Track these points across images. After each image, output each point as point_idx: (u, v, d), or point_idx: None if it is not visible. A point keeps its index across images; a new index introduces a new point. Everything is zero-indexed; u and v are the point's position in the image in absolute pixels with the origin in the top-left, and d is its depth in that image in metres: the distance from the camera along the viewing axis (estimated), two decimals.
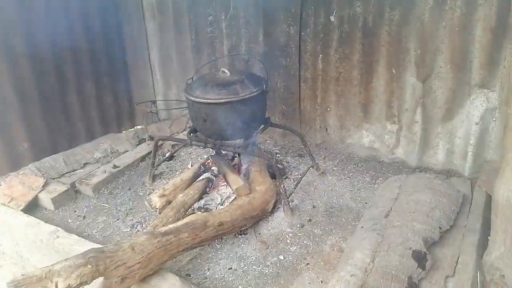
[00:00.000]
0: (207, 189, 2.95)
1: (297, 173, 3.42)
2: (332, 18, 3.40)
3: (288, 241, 2.59)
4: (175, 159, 3.76)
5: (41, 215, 3.07)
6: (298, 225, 2.73)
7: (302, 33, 3.59)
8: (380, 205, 2.75)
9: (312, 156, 3.29)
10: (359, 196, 3.07)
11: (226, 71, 2.84)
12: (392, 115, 3.43)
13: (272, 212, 2.85)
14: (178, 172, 3.52)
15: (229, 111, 2.70)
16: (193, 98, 2.71)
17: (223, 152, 3.15)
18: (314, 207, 2.93)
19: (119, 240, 2.73)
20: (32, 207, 3.11)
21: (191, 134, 3.05)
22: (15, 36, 3.29)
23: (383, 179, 3.28)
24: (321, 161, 3.62)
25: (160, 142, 3.77)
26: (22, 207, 3.02)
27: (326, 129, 3.85)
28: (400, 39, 3.16)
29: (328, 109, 3.74)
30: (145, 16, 4.52)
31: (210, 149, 3.22)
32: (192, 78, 3.05)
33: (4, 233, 2.91)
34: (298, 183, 2.97)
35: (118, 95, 4.48)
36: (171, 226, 2.26)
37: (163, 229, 2.21)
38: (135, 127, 4.81)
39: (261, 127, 3.07)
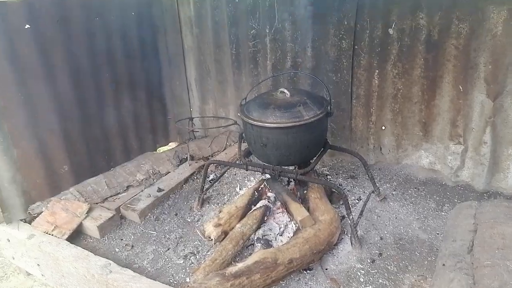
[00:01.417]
0: (265, 218, 2.73)
1: (353, 198, 3.19)
2: (390, 31, 3.18)
3: (361, 279, 2.35)
4: (220, 181, 3.56)
5: (86, 244, 2.89)
6: (369, 260, 2.49)
7: (356, 47, 3.37)
8: (458, 237, 2.49)
9: (374, 181, 3.06)
10: (428, 226, 2.82)
11: (286, 91, 2.63)
12: (457, 135, 3.18)
13: (337, 244, 2.62)
14: (226, 196, 3.31)
15: (292, 135, 2.49)
16: (252, 122, 2.51)
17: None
18: (381, 238, 2.69)
19: (173, 273, 2.54)
20: (75, 235, 2.94)
21: (245, 158, 2.84)
22: (55, 54, 3.14)
23: (449, 205, 3.03)
24: (377, 184, 3.36)
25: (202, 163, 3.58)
26: (66, 236, 2.85)
27: (380, 148, 3.60)
28: (469, 54, 2.92)
29: (383, 127, 3.50)
30: (182, 29, 4.37)
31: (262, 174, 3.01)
32: (245, 98, 2.86)
33: (49, 264, 2.73)
34: (362, 211, 2.73)
35: (154, 110, 4.31)
36: (241, 265, 2.05)
37: (233, 269, 2.01)
38: (170, 144, 4.66)
39: (321, 150, 2.85)
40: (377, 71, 3.35)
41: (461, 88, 3.04)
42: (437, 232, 2.74)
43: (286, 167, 2.69)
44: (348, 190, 3.30)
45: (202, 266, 2.32)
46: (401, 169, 3.54)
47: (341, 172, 3.64)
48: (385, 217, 2.92)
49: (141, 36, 3.98)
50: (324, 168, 3.73)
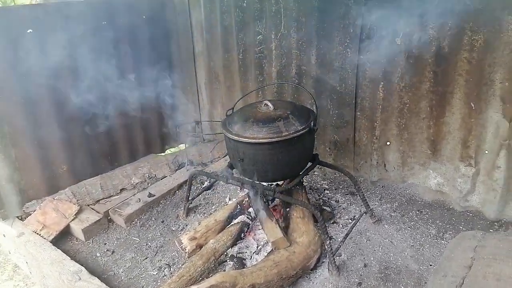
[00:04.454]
0: (242, 235, 2.62)
1: (347, 217, 2.99)
2: (398, 41, 2.93)
3: None
4: (213, 189, 3.49)
5: (71, 246, 2.94)
6: None
7: (361, 57, 3.15)
8: (450, 273, 2.25)
9: (366, 202, 2.84)
10: (422, 255, 2.57)
11: (269, 104, 2.49)
12: (467, 156, 2.87)
13: (315, 267, 2.45)
14: (214, 206, 3.24)
15: (269, 152, 2.35)
16: (230, 136, 2.40)
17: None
18: (365, 265, 2.48)
19: (144, 285, 2.50)
20: (64, 235, 3.00)
21: (229, 170, 2.74)
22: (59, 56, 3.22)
23: (452, 232, 2.75)
24: (377, 203, 3.14)
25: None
26: (52, 237, 2.91)
27: (385, 165, 3.35)
28: (483, 69, 2.62)
29: (388, 143, 3.25)
30: (193, 34, 4.34)
31: None
32: (232, 108, 2.75)
33: (33, 263, 2.80)
34: (347, 234, 2.54)
35: (163, 113, 4.32)
36: None
37: None
38: (180, 145, 4.65)
39: (307, 165, 2.69)
40: (382, 83, 3.11)
41: (473, 105, 2.74)
42: (431, 263, 2.49)
43: (267, 184, 2.55)
44: (343, 208, 3.10)
45: (168, 283, 2.25)
46: (406, 189, 3.28)
47: (341, 187, 3.44)
48: (376, 241, 2.70)
49: (152, 39, 3.99)
50: (324, 182, 3.54)
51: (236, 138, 2.36)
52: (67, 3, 3.31)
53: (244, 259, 2.47)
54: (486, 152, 2.78)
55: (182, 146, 4.66)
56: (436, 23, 2.72)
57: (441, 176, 3.09)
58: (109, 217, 3.16)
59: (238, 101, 2.86)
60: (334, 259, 2.35)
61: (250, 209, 2.73)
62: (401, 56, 2.95)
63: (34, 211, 3.12)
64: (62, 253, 2.69)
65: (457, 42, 2.67)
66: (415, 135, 3.10)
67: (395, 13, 2.84)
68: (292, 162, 2.47)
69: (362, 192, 2.82)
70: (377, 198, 3.22)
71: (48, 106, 3.22)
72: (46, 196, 3.26)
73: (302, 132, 2.35)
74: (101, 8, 3.47)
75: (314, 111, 2.63)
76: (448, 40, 2.71)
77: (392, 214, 3.01)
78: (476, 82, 2.68)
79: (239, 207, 2.78)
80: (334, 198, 3.24)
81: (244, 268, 2.38)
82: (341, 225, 2.88)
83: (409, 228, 2.83)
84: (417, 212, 3.02)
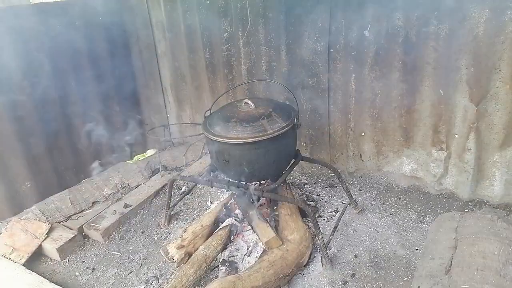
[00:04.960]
0: (231, 237, 2.56)
1: (330, 210, 3.02)
2: (366, 33, 2.98)
3: None
4: (192, 193, 3.39)
5: (45, 267, 2.73)
6: (341, 282, 2.32)
7: (331, 50, 3.18)
8: (437, 255, 2.33)
9: (350, 194, 2.88)
10: (407, 240, 2.65)
11: (250, 102, 2.45)
12: (439, 141, 3.00)
13: (308, 264, 2.45)
14: (196, 211, 3.14)
15: (255, 151, 2.31)
16: (213, 137, 2.32)
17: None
18: (356, 256, 2.52)
19: None
20: (36, 257, 2.78)
21: (211, 173, 2.66)
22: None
23: (431, 215, 2.86)
24: (357, 193, 3.20)
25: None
26: (24, 260, 2.68)
27: (360, 155, 3.42)
28: (449, 56, 2.73)
29: (363, 133, 3.32)
30: (154, 35, 4.18)
31: None
32: (210, 109, 2.67)
33: None
34: (336, 227, 2.55)
35: (129, 118, 4.13)
36: None
37: None
38: (147, 151, 4.48)
39: (291, 162, 2.67)
40: (354, 75, 3.16)
41: (442, 92, 2.85)
42: (416, 247, 2.58)
43: (253, 183, 2.51)
44: (325, 201, 3.13)
45: None
46: (382, 177, 3.37)
47: (320, 180, 3.47)
48: (362, 231, 2.75)
49: (111, 42, 3.79)
50: (303, 176, 3.56)
51: (220, 139, 2.29)
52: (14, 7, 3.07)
53: (236, 262, 2.42)
54: (456, 136, 2.91)
55: (150, 152, 4.50)
56: (402, 14, 2.80)
57: (414, 162, 3.20)
58: (83, 233, 2.97)
59: (216, 100, 2.77)
60: (327, 253, 2.36)
61: (237, 211, 2.67)
62: (370, 47, 3.02)
63: (0, 233, 2.86)
64: (38, 276, 2.49)
65: (424, 32, 2.77)
66: (388, 124, 3.19)
67: (363, 5, 2.90)
68: (278, 160, 2.45)
69: (345, 184, 2.85)
70: (356, 189, 3.28)
71: (5, 121, 2.97)
72: (11, 217, 3.01)
73: (286, 128, 2.33)
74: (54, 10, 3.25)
75: (294, 107, 2.61)
76: (415, 30, 2.80)
77: (372, 203, 3.08)
78: (444, 70, 2.80)
79: (225, 209, 2.71)
80: (315, 192, 3.26)
81: (237, 271, 2.32)
82: (326, 218, 2.91)
83: (390, 215, 2.91)
84: (396, 199, 3.11)
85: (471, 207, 2.92)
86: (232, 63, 3.76)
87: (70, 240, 2.81)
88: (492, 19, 2.51)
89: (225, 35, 3.68)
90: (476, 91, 2.72)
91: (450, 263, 2.22)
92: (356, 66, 3.12)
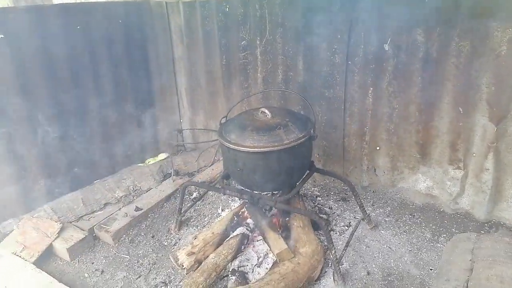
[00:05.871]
0: (242, 247, 2.54)
1: (342, 224, 2.97)
2: (386, 47, 2.96)
3: None
4: (203, 200, 3.38)
5: (55, 267, 2.73)
6: None
7: (349, 63, 3.16)
8: (452, 277, 2.27)
9: (364, 209, 2.84)
10: (421, 259, 2.59)
11: (267, 111, 2.44)
12: (456, 159, 2.95)
13: (319, 278, 2.41)
14: (207, 218, 3.13)
15: (271, 161, 2.29)
16: (228, 145, 2.32)
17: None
18: (368, 273, 2.47)
19: None
20: (46, 255, 2.78)
21: (224, 180, 2.65)
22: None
23: (446, 235, 2.80)
24: (370, 208, 3.15)
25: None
26: (34, 258, 2.69)
27: (375, 170, 3.38)
28: (470, 74, 2.69)
29: (378, 148, 3.28)
30: (172, 39, 4.21)
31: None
32: (226, 116, 2.67)
33: None
34: (348, 242, 2.51)
35: (143, 121, 4.15)
36: None
37: None
38: (160, 155, 4.49)
39: (305, 174, 2.65)
40: (371, 88, 3.13)
41: (461, 110, 2.81)
42: (430, 267, 2.52)
43: (266, 193, 2.49)
44: (338, 215, 3.09)
45: None
46: (397, 193, 3.32)
47: (332, 193, 3.43)
48: (375, 247, 2.70)
49: (129, 46, 3.82)
50: (315, 188, 3.52)
51: (235, 147, 2.28)
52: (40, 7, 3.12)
53: (246, 273, 2.39)
54: (474, 155, 2.86)
55: (162, 156, 4.50)
56: (423, 29, 2.77)
57: (430, 180, 3.15)
58: (94, 234, 2.97)
59: (232, 108, 2.77)
60: (339, 268, 2.32)
61: (249, 220, 2.65)
62: (389, 62, 2.99)
63: (12, 231, 2.88)
64: (48, 275, 2.49)
65: (445, 48, 2.73)
66: (404, 140, 3.14)
67: (384, 18, 2.88)
68: (292, 170, 2.43)
69: (360, 198, 2.81)
70: (369, 204, 3.23)
71: (20, 117, 3.00)
72: (23, 215, 3.03)
73: (303, 139, 2.31)
74: (75, 12, 3.29)
75: (310, 117, 2.59)
76: (436, 46, 2.77)
77: (386, 219, 3.03)
78: (464, 87, 2.76)
79: (236, 218, 2.69)
80: (327, 205, 3.22)
81: (247, 282, 2.30)
82: (338, 233, 2.86)
83: (404, 233, 2.86)
84: (410, 216, 3.06)
85: (487, 228, 2.85)
86: (248, 71, 3.76)
87: (80, 240, 2.81)
88: None
89: (242, 42, 3.69)
90: (496, 110, 2.67)
91: (466, 286, 2.17)
92: (374, 80, 3.09)
